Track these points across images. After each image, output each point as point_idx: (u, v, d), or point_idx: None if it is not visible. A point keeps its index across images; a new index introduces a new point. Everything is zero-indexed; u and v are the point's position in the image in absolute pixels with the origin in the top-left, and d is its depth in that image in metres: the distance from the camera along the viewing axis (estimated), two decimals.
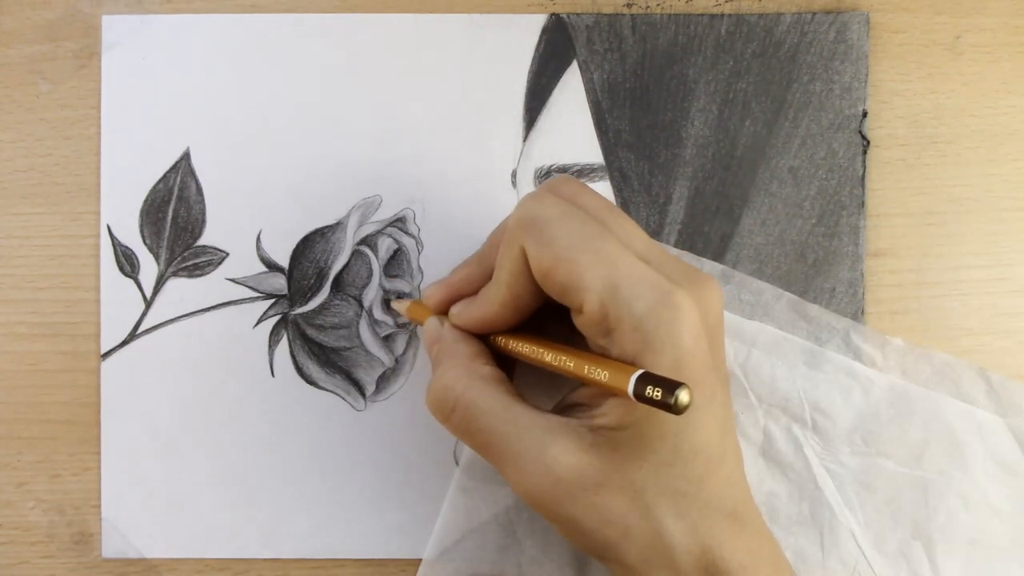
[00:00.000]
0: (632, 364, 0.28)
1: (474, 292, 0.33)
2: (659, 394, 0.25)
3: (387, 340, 0.39)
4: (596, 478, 0.28)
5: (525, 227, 0.29)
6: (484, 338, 0.33)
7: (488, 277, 0.32)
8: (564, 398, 0.32)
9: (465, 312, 0.33)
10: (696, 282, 0.30)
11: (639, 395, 0.26)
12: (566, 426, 0.29)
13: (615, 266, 0.28)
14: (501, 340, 0.32)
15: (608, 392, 0.28)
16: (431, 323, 0.34)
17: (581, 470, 0.28)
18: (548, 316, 0.32)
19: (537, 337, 0.32)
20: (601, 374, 0.28)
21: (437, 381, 0.31)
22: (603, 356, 0.29)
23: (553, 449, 0.29)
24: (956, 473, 0.37)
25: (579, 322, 0.30)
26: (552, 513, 0.29)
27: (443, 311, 0.34)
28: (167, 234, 0.39)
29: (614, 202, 0.39)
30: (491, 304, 0.32)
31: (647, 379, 0.26)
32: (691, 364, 0.27)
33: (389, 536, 0.38)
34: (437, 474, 0.38)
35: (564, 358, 0.30)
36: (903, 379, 0.37)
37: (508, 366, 0.33)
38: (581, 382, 0.30)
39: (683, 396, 0.25)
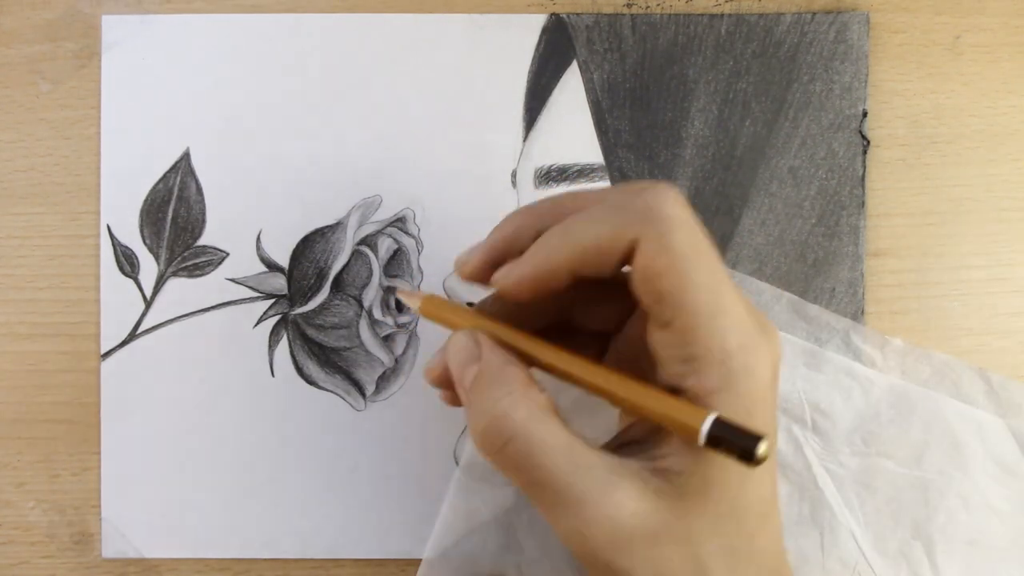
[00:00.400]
0: (704, 400, 0.26)
1: (520, 254, 0.29)
2: (737, 444, 0.24)
3: (387, 340, 0.39)
4: (657, 527, 0.26)
5: (650, 219, 0.26)
6: (522, 359, 0.29)
7: (537, 236, 0.29)
8: (619, 435, 0.30)
9: (518, 267, 0.29)
10: (770, 331, 0.28)
11: (714, 439, 0.25)
12: (629, 469, 0.27)
13: (721, 294, 0.26)
14: (542, 357, 0.29)
15: (675, 431, 0.26)
16: (462, 340, 0.29)
17: (645, 518, 0.26)
18: (578, 342, 0.29)
19: (589, 360, 0.28)
20: (672, 410, 0.26)
21: (489, 408, 0.27)
22: (665, 391, 0.27)
23: (618, 495, 0.26)
24: (956, 473, 0.37)
25: (658, 338, 0.27)
26: (602, 563, 0.27)
27: (483, 279, 0.30)
28: (167, 234, 0.39)
29: None
30: (554, 260, 0.28)
31: (724, 426, 0.25)
32: (761, 413, 0.26)
33: (389, 536, 0.38)
34: (437, 474, 0.38)
35: (627, 385, 0.27)
36: (903, 379, 0.37)
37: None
38: (635, 415, 0.28)
39: (762, 449, 0.24)
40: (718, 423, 0.25)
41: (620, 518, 0.26)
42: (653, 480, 0.27)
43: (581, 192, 0.30)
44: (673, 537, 0.26)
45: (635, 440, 0.28)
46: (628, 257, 0.27)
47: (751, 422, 0.25)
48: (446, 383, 0.30)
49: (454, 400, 0.31)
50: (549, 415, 0.27)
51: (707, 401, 0.26)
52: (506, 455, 0.27)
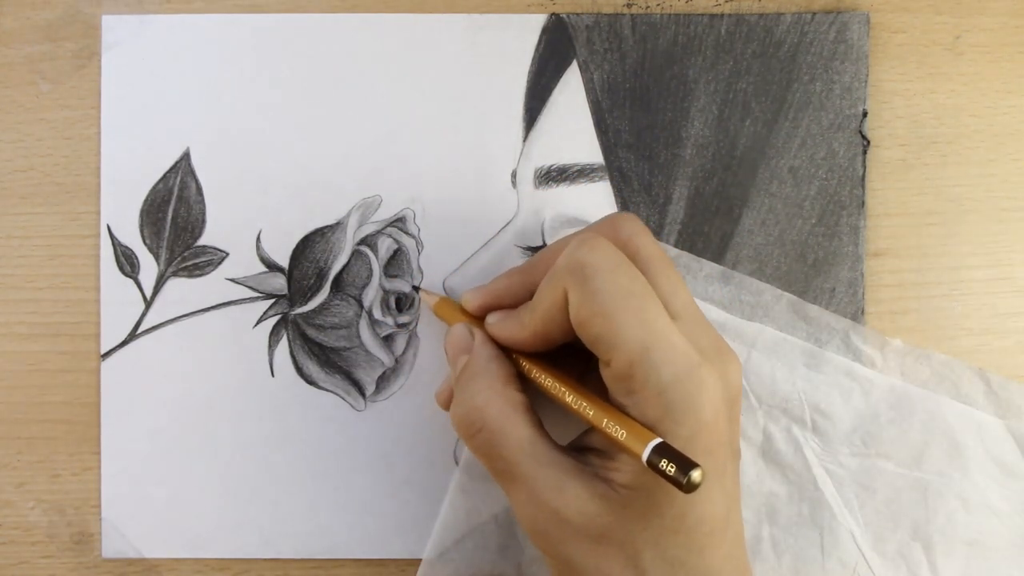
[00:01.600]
0: (651, 428, 0.28)
1: (514, 303, 0.34)
2: (672, 469, 0.26)
3: (387, 340, 0.39)
4: (600, 530, 0.29)
5: (572, 272, 0.29)
6: (509, 357, 0.33)
7: (530, 289, 0.32)
8: (582, 438, 0.32)
9: (499, 326, 0.33)
10: (722, 355, 0.30)
11: (652, 464, 0.26)
12: (582, 472, 0.30)
13: (650, 330, 0.28)
14: (526, 365, 0.33)
15: (623, 451, 0.29)
16: (460, 330, 0.34)
17: (588, 519, 0.29)
18: (576, 350, 0.32)
19: (561, 374, 0.32)
20: (619, 432, 0.28)
21: (468, 399, 0.31)
22: (623, 413, 0.29)
23: (566, 493, 0.29)
24: (956, 474, 0.37)
25: (605, 374, 0.30)
26: (551, 549, 0.30)
27: (480, 317, 0.34)
28: (167, 234, 0.39)
29: (614, 202, 0.39)
30: (524, 328, 0.32)
31: (663, 451, 0.26)
32: (707, 437, 0.28)
33: (389, 536, 0.38)
34: (437, 474, 0.38)
35: (585, 405, 0.30)
36: (903, 380, 0.37)
37: (532, 386, 0.33)
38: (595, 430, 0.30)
39: (695, 476, 0.25)
40: (658, 448, 0.26)
41: (566, 513, 0.29)
42: (602, 487, 0.29)
43: (559, 245, 0.33)
44: (615, 541, 0.29)
45: (596, 448, 0.31)
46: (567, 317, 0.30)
47: (692, 449, 0.27)
48: (448, 403, 0.34)
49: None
50: (519, 412, 0.31)
51: (649, 428, 0.28)
52: (477, 442, 0.31)
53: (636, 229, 0.32)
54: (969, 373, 0.37)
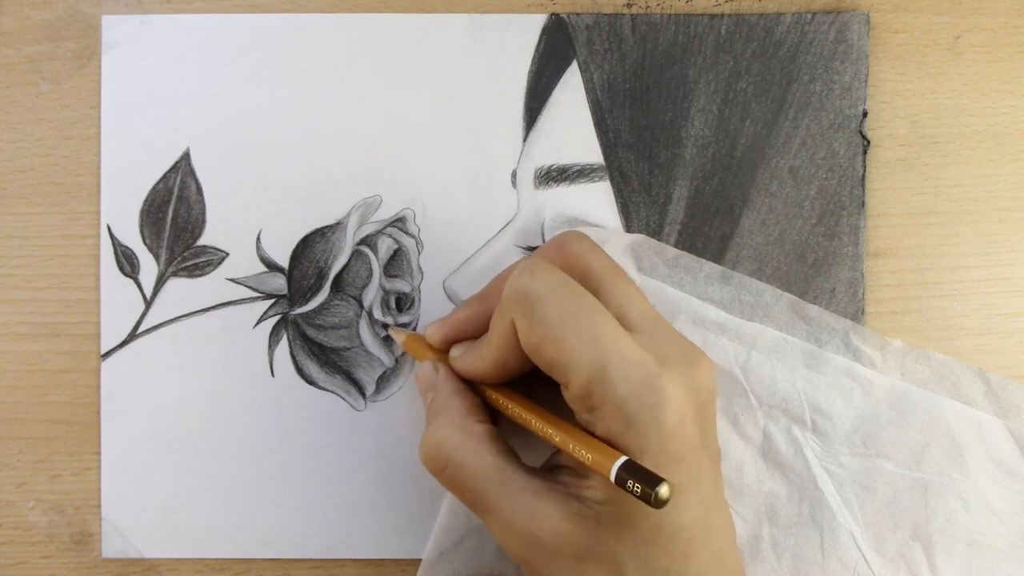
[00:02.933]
0: (615, 443, 0.28)
1: (476, 333, 0.34)
2: (639, 488, 0.26)
3: (387, 340, 0.39)
4: (578, 548, 0.29)
5: (516, 300, 0.30)
6: (476, 388, 0.34)
7: (488, 318, 0.32)
8: (553, 457, 0.32)
9: (460, 360, 0.34)
10: (688, 359, 0.30)
11: (620, 482, 0.27)
12: (554, 492, 0.30)
13: (602, 348, 0.28)
14: (492, 395, 0.33)
15: (592, 470, 0.29)
16: (427, 368, 0.34)
17: (565, 538, 0.29)
18: (539, 376, 0.32)
19: (526, 401, 0.32)
20: (585, 455, 0.28)
21: (431, 436, 0.32)
22: (588, 432, 0.29)
23: (539, 516, 0.29)
24: (956, 475, 0.37)
25: (566, 395, 0.30)
26: (535, 572, 0.30)
27: (444, 350, 0.35)
28: (167, 234, 0.39)
29: (614, 202, 0.39)
30: (483, 361, 0.32)
31: (629, 469, 0.27)
32: (674, 445, 0.28)
33: (389, 536, 0.38)
34: None
35: (551, 431, 0.30)
36: (902, 380, 0.37)
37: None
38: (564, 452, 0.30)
39: (663, 492, 0.26)
40: (625, 466, 0.27)
41: (542, 536, 0.29)
42: (575, 505, 0.29)
43: (510, 271, 0.33)
44: (595, 557, 0.29)
45: (566, 466, 0.31)
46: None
47: (661, 459, 0.28)
48: None
49: None
50: (482, 443, 0.31)
51: (616, 443, 0.28)
52: (444, 477, 0.31)
53: (584, 247, 0.32)
54: (969, 373, 0.37)
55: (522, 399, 0.32)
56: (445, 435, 0.31)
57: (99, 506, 0.38)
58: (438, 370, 0.34)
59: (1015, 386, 0.37)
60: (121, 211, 0.39)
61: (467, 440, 0.31)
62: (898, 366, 0.38)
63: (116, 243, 0.39)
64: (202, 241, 0.39)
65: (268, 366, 0.39)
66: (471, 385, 0.34)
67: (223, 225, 0.39)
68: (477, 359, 0.33)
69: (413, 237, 0.39)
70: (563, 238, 0.33)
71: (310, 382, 0.39)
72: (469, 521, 0.37)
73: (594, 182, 0.39)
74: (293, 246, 0.39)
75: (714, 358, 0.37)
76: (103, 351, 0.39)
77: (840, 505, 0.37)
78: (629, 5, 0.39)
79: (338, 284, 0.39)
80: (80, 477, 0.39)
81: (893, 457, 0.37)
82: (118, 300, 0.39)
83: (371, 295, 0.39)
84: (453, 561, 0.37)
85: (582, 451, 0.28)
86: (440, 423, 0.32)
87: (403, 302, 0.39)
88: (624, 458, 0.27)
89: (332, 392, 0.39)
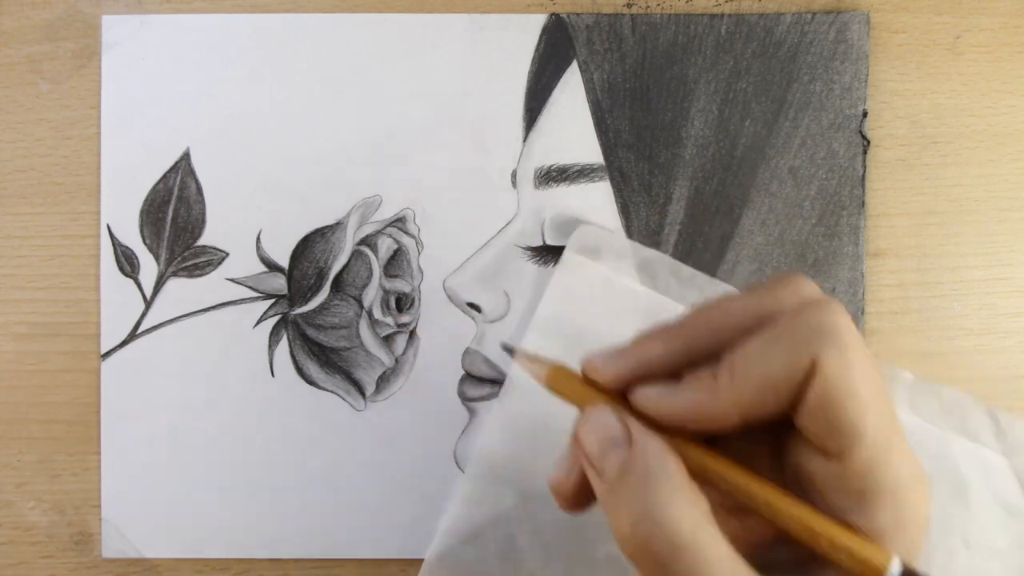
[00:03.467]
0: (878, 539, 0.24)
1: (666, 373, 0.26)
2: None
3: (387, 340, 0.39)
4: None
5: (832, 342, 0.23)
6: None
7: (691, 358, 0.26)
8: (763, 552, 0.26)
9: (672, 400, 0.25)
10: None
11: None
12: None
13: (893, 421, 0.24)
14: (695, 455, 0.25)
15: (850, 569, 0.24)
16: (606, 419, 0.25)
17: None
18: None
19: (751, 471, 0.25)
20: (852, 554, 0.23)
21: (650, 512, 0.23)
22: (840, 519, 0.24)
23: None
24: (959, 512, 0.36)
25: (822, 467, 0.24)
26: None
27: (619, 388, 0.26)
28: (167, 234, 0.39)
29: (614, 202, 0.39)
30: (721, 403, 0.24)
31: (909, 574, 0.23)
32: (918, 549, 0.24)
33: (389, 536, 0.38)
34: (437, 474, 0.38)
35: (802, 515, 0.24)
36: (911, 414, 0.37)
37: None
38: (804, 543, 0.24)
39: None
40: (906, 571, 0.23)
41: None
42: None
43: (729, 303, 0.26)
44: None
45: (783, 562, 0.25)
46: (801, 391, 0.24)
47: (915, 561, 0.24)
48: (576, 494, 0.27)
49: (575, 505, 0.27)
50: (713, 525, 0.23)
51: (876, 539, 0.24)
52: (672, 570, 0.23)
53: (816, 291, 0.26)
54: (977, 410, 0.37)
55: (743, 469, 0.25)
56: (678, 513, 0.23)
57: (99, 506, 0.38)
58: (628, 424, 0.25)
59: (1021, 424, 0.37)
60: (121, 211, 0.39)
61: (702, 520, 0.23)
62: (907, 399, 0.37)
63: (116, 243, 0.39)
64: (202, 241, 0.39)
65: (268, 366, 0.39)
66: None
67: (223, 225, 0.39)
68: (705, 397, 0.24)
69: (413, 237, 0.39)
70: (795, 279, 0.26)
71: (310, 382, 0.39)
72: (472, 527, 0.37)
73: (594, 182, 0.39)
74: (293, 246, 0.39)
75: None
76: (103, 351, 0.39)
77: None
78: (629, 5, 0.39)
79: (338, 284, 0.39)
80: (80, 477, 0.39)
81: None
82: (118, 300, 0.39)
83: (371, 295, 0.39)
84: (453, 565, 0.37)
85: (845, 545, 0.23)
86: (661, 494, 0.23)
87: (403, 302, 0.39)
88: (898, 557, 0.23)
89: (332, 392, 0.39)
